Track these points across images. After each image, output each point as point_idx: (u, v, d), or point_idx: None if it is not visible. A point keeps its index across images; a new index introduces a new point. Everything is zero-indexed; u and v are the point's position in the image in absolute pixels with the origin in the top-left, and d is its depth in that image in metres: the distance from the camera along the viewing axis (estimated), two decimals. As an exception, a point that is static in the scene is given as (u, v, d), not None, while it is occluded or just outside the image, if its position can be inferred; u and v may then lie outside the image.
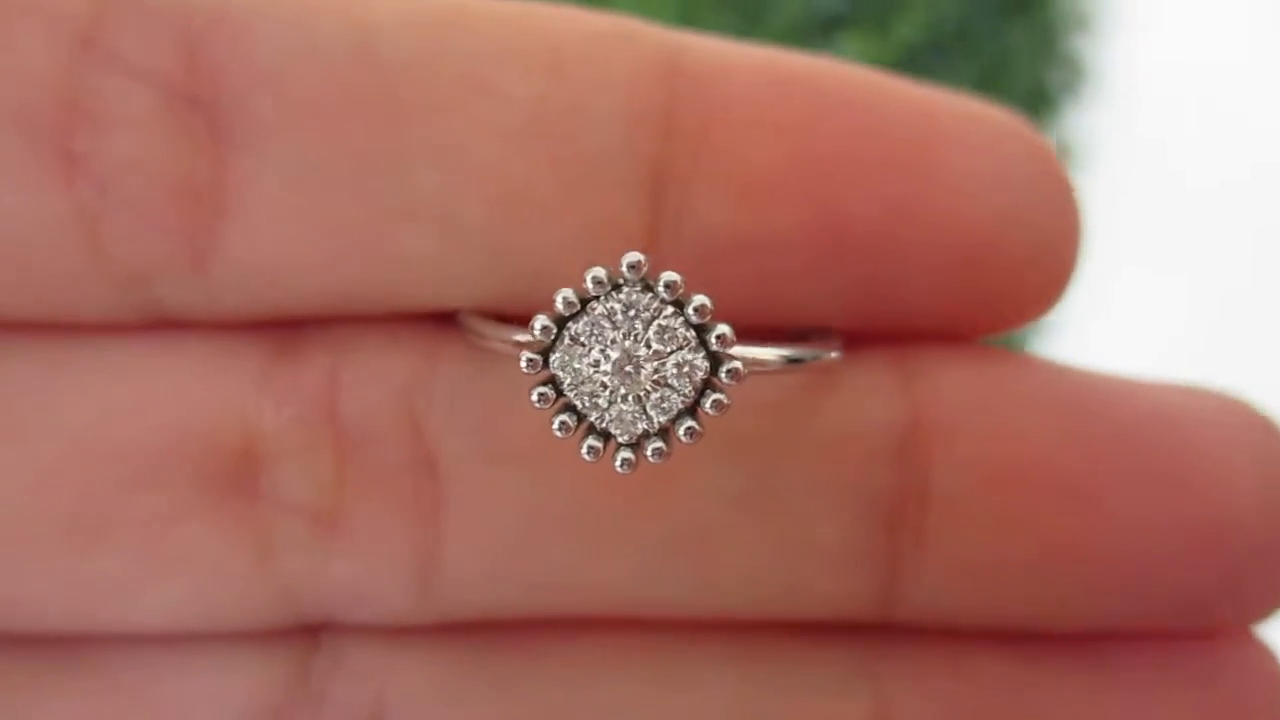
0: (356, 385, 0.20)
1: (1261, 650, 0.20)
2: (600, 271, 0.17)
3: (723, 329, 0.17)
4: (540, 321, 0.17)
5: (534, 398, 0.17)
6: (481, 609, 0.21)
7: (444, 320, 0.21)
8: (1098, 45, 0.85)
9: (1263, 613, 0.20)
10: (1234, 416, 0.20)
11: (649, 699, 0.20)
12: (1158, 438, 0.19)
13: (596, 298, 0.17)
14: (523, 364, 0.17)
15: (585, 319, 0.17)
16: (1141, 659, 0.20)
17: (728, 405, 0.17)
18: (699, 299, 0.17)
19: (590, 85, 0.19)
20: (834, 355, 0.19)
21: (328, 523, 0.20)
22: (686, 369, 0.17)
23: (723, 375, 0.17)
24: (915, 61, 0.81)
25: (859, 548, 0.19)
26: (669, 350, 0.17)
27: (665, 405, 0.17)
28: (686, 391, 0.17)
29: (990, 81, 0.80)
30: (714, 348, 0.17)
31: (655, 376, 0.17)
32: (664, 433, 0.18)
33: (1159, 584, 0.19)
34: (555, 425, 0.17)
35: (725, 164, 0.19)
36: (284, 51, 0.19)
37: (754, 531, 0.20)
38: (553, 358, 0.18)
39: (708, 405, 0.17)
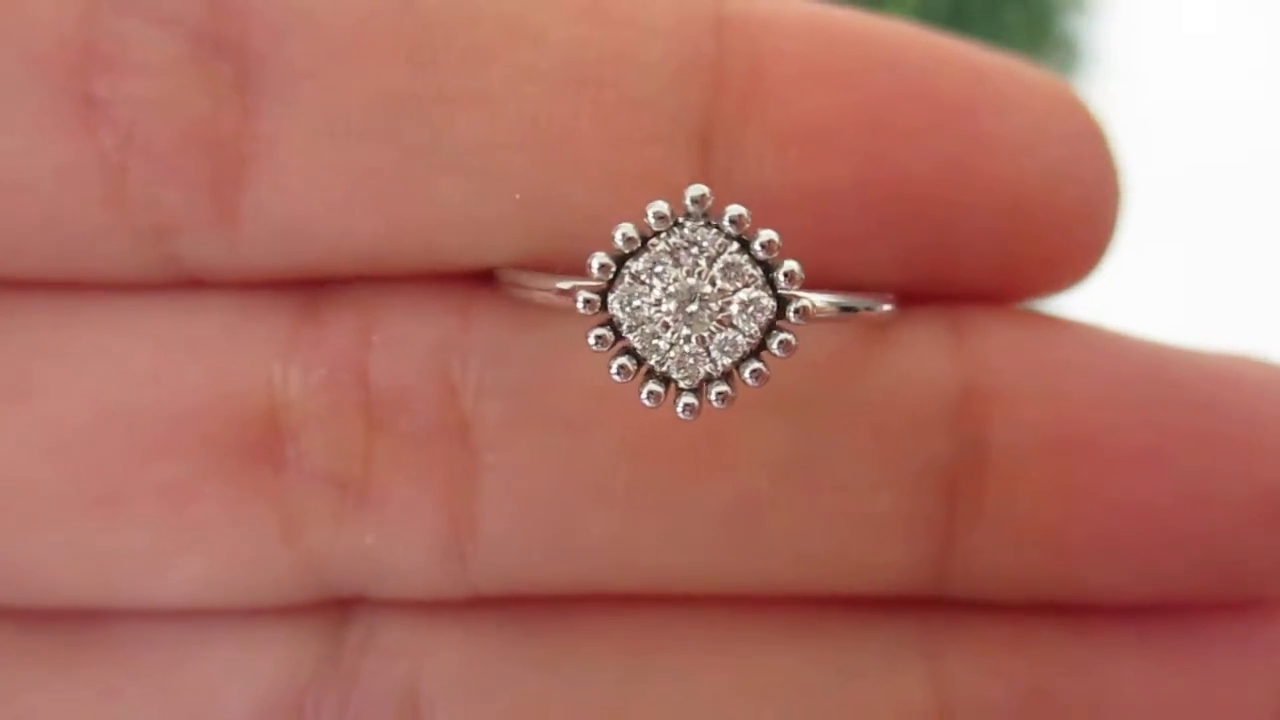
0: (387, 347, 0.19)
1: None
2: (663, 206, 0.16)
3: (791, 265, 0.17)
4: (599, 259, 0.17)
5: (591, 340, 0.17)
6: (518, 583, 0.20)
7: (480, 279, 0.20)
8: (1093, 25, 0.85)
9: None
10: (1277, 382, 0.20)
11: (694, 680, 0.19)
12: (1221, 402, 0.19)
13: (658, 234, 0.17)
14: (579, 304, 0.17)
15: (646, 256, 0.17)
16: (1200, 632, 0.19)
17: (795, 346, 0.17)
18: (766, 234, 0.17)
19: (636, 32, 0.18)
20: (887, 307, 0.19)
21: (357, 492, 0.19)
22: (752, 308, 0.17)
23: (790, 315, 0.17)
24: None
25: (914, 517, 0.19)
26: (734, 288, 0.17)
27: (729, 346, 0.17)
28: (752, 331, 0.17)
29: (986, 61, 0.80)
30: (780, 286, 0.17)
31: (720, 316, 0.17)
32: (727, 376, 0.17)
33: (1226, 550, 0.19)
34: (614, 369, 0.17)
35: (774, 116, 0.18)
36: None
37: (805, 500, 0.19)
38: (611, 297, 0.17)
39: (774, 346, 0.17)
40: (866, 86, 0.19)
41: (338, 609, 0.20)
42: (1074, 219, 0.19)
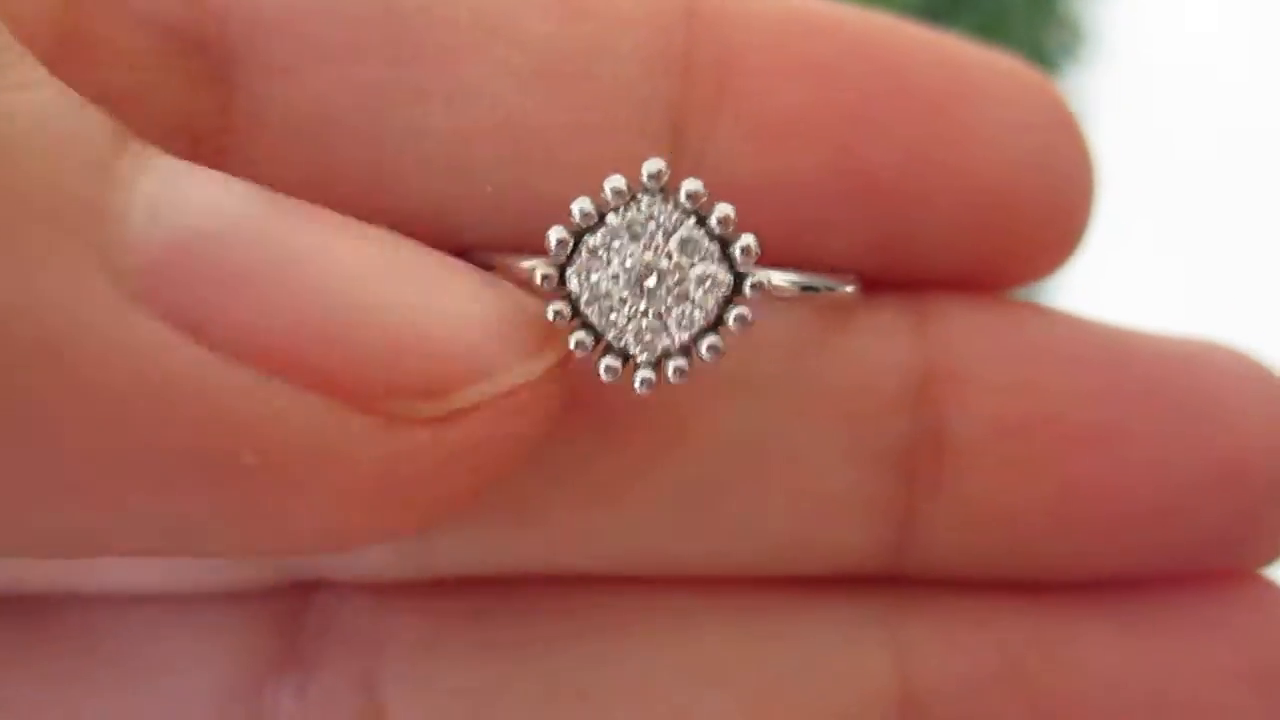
0: None
1: (1272, 589, 0.20)
2: (619, 180, 0.17)
3: (747, 240, 0.17)
4: (556, 234, 0.17)
5: (549, 314, 0.17)
6: (477, 565, 0.20)
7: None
8: (1096, 7, 0.84)
9: (1272, 555, 0.20)
10: (1242, 367, 0.20)
11: (656, 661, 0.20)
12: (1172, 385, 0.19)
13: (615, 209, 0.17)
14: (538, 279, 0.17)
15: (603, 230, 0.17)
16: (1160, 606, 0.20)
17: (751, 321, 0.17)
18: (722, 208, 0.17)
19: (607, 25, 0.18)
20: (850, 289, 0.19)
21: None
22: (709, 282, 0.17)
23: (747, 290, 0.17)
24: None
25: (872, 498, 0.19)
26: (691, 263, 0.17)
27: (686, 321, 0.17)
28: (709, 307, 0.17)
29: (988, 44, 0.79)
30: (738, 261, 0.17)
31: (677, 290, 0.17)
32: (685, 351, 0.17)
33: (1176, 526, 0.19)
34: (572, 343, 0.17)
35: (745, 106, 0.19)
36: None
37: (763, 480, 0.19)
38: (569, 272, 0.17)
39: (731, 320, 0.17)
40: (839, 77, 0.19)
41: (298, 594, 0.21)
42: (1044, 210, 0.19)
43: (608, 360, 0.17)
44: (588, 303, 0.17)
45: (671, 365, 0.17)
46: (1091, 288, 0.80)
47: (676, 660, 0.19)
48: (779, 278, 0.17)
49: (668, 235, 0.17)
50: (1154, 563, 0.19)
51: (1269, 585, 0.20)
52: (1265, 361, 0.20)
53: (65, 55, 0.17)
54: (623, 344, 0.17)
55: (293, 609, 0.20)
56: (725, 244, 0.17)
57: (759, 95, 0.18)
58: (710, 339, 0.17)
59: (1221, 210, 0.76)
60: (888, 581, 0.20)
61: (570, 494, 0.19)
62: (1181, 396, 0.19)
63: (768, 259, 0.18)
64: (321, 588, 0.21)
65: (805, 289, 0.18)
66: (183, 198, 0.15)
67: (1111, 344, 0.19)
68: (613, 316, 0.17)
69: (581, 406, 0.18)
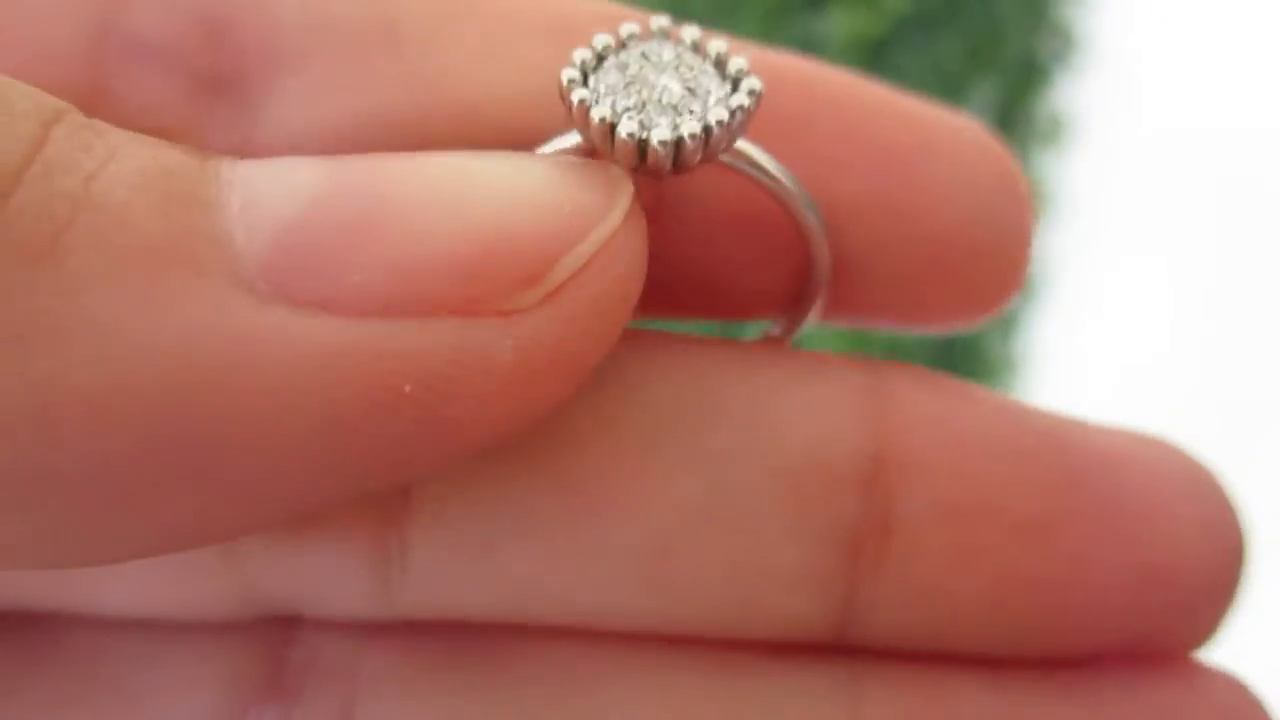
0: None
1: (1201, 670, 0.21)
2: (634, 25, 0.18)
3: (740, 62, 0.17)
4: (580, 53, 0.17)
5: (574, 99, 0.17)
6: (444, 611, 0.20)
7: None
8: (1088, 14, 0.85)
9: (1201, 642, 0.21)
10: (1176, 464, 0.21)
11: (625, 707, 0.20)
12: (1104, 481, 0.20)
13: (624, 46, 0.18)
14: (564, 80, 0.17)
15: (621, 53, 0.18)
16: (1107, 683, 0.21)
17: (760, 92, 0.17)
18: (717, 44, 0.18)
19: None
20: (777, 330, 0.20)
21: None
22: (710, 93, 0.18)
23: (745, 95, 0.17)
24: (904, 33, 0.81)
25: (818, 571, 0.20)
26: (697, 68, 0.18)
27: (702, 94, 0.17)
28: (721, 90, 0.18)
29: (980, 51, 0.80)
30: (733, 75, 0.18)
31: (690, 81, 0.18)
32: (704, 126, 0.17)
33: (1102, 619, 0.20)
34: (596, 118, 0.17)
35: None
36: (308, 35, 0.19)
37: (715, 547, 0.20)
38: (591, 78, 0.17)
39: (745, 93, 0.17)
40: (807, 131, 0.20)
41: (282, 627, 0.21)
42: (984, 261, 0.20)
43: (629, 126, 0.17)
44: (606, 93, 0.17)
45: (688, 127, 0.17)
46: (1084, 287, 0.80)
47: (647, 710, 0.20)
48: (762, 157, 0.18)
49: (675, 59, 0.18)
50: (1083, 650, 0.20)
51: (1197, 666, 0.21)
52: (1198, 459, 0.21)
53: (92, 112, 0.18)
54: (644, 115, 0.17)
55: (278, 641, 0.21)
56: (720, 65, 0.18)
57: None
58: (740, 98, 0.17)
59: (1215, 214, 0.77)
60: (849, 649, 0.20)
61: (528, 546, 0.20)
62: (1112, 493, 0.20)
63: (721, 292, 0.19)
64: (306, 624, 0.21)
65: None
66: (261, 197, 0.16)
67: (1051, 436, 0.20)
68: (633, 96, 0.17)
69: (546, 461, 0.19)
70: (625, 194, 0.17)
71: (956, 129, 0.20)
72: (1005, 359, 0.77)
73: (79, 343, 0.15)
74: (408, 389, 0.16)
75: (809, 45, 0.82)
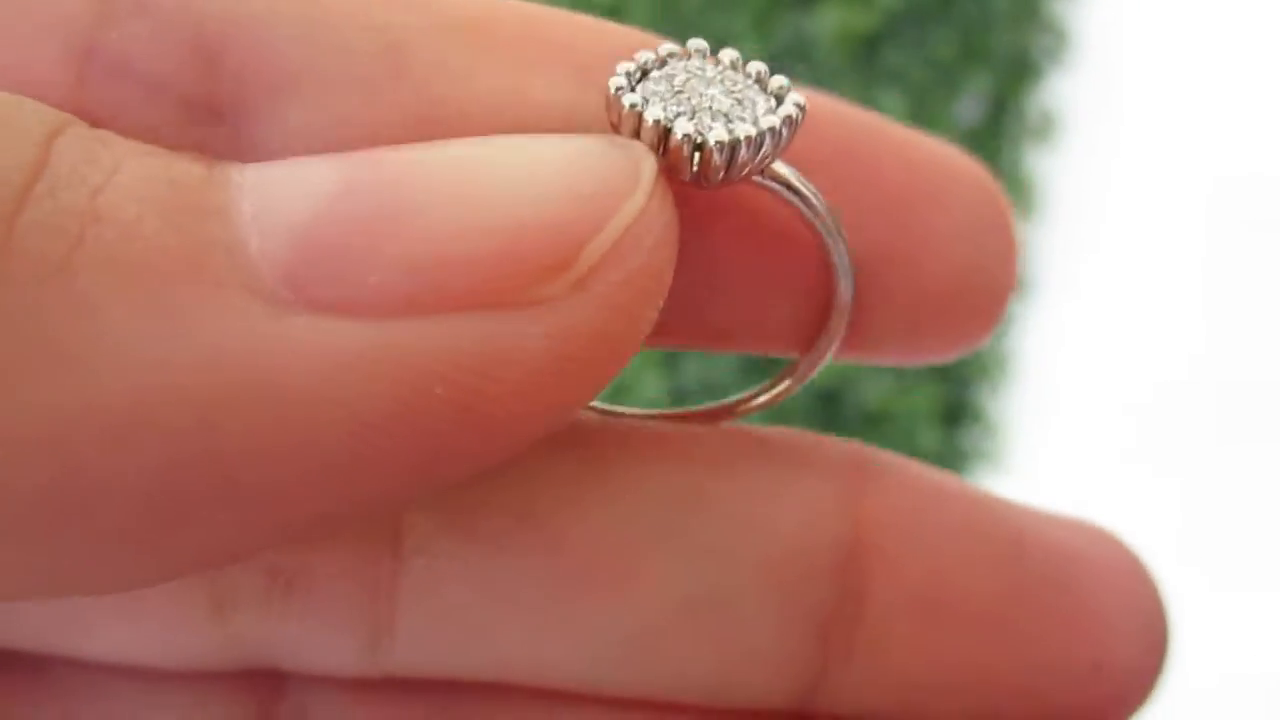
0: None
1: None
2: (672, 45, 0.18)
3: (781, 79, 0.17)
4: (624, 66, 0.17)
5: (625, 104, 0.17)
6: (430, 673, 0.21)
7: None
8: (1080, 11, 0.85)
9: None
10: (1117, 558, 0.22)
11: None
12: (1062, 579, 0.22)
13: (664, 63, 0.18)
14: (611, 89, 0.17)
15: (665, 68, 0.18)
16: None
17: (805, 106, 0.17)
18: (757, 64, 0.18)
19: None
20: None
21: (285, 580, 0.20)
22: (758, 86, 0.18)
23: (792, 107, 0.17)
24: (895, 29, 0.81)
25: (792, 652, 0.21)
26: (741, 82, 0.18)
27: (750, 104, 0.17)
28: (767, 102, 0.17)
29: (972, 48, 0.80)
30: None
31: (735, 92, 0.18)
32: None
33: (1047, 708, 0.21)
34: (649, 119, 0.17)
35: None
36: (309, 60, 0.18)
37: (699, 633, 0.21)
38: (638, 87, 0.17)
39: (791, 104, 0.17)
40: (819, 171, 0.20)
41: (271, 680, 0.21)
42: (979, 302, 0.21)
43: (684, 128, 0.17)
44: (656, 99, 0.17)
45: (746, 127, 0.17)
46: (1076, 282, 0.80)
47: None
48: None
49: (717, 73, 0.18)
50: None
51: None
52: (1136, 553, 0.23)
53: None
54: (698, 116, 0.17)
55: (267, 694, 0.21)
56: (760, 83, 0.18)
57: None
58: (789, 109, 0.17)
59: (1207, 212, 0.77)
60: (815, 718, 0.21)
61: (520, 621, 0.20)
62: (1067, 590, 0.21)
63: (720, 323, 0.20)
64: (295, 678, 0.21)
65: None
66: (273, 201, 0.15)
67: (1011, 533, 0.22)
68: (683, 103, 0.17)
69: (540, 546, 0.20)
70: (649, 169, 0.16)
71: (960, 173, 0.21)
72: (995, 356, 0.77)
73: (94, 365, 0.14)
74: (439, 390, 0.15)
75: (801, 41, 0.82)
